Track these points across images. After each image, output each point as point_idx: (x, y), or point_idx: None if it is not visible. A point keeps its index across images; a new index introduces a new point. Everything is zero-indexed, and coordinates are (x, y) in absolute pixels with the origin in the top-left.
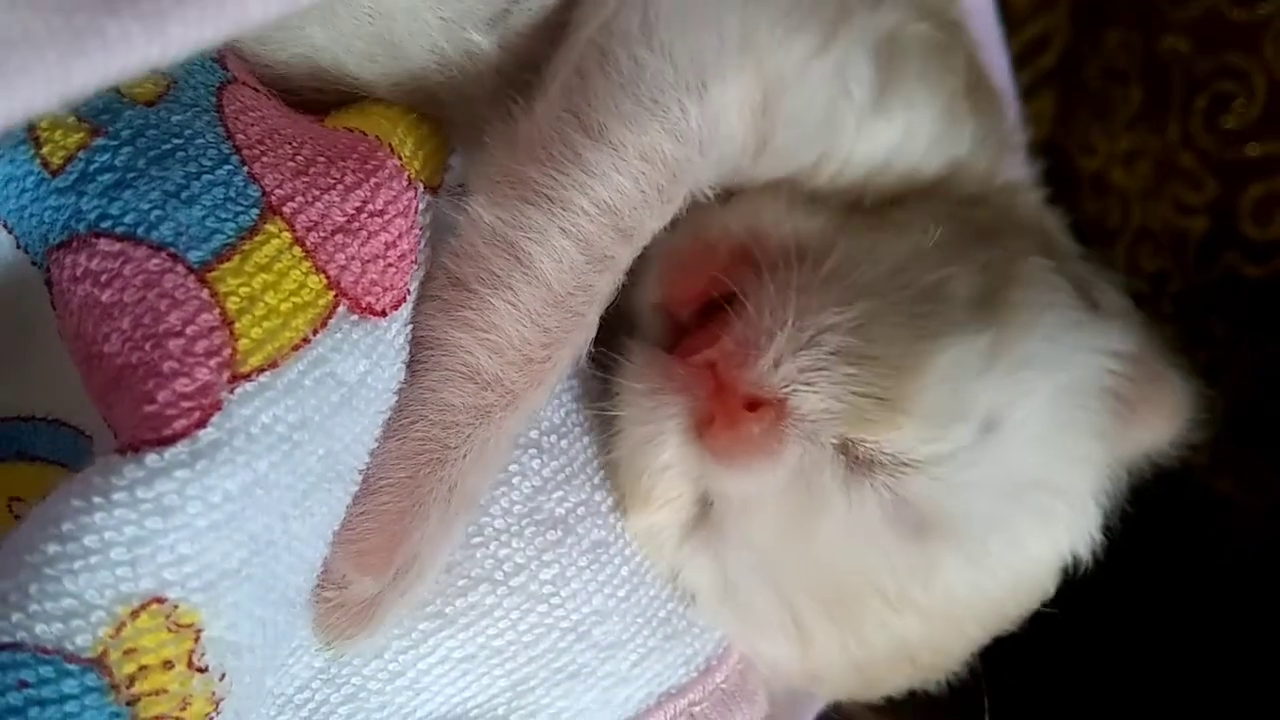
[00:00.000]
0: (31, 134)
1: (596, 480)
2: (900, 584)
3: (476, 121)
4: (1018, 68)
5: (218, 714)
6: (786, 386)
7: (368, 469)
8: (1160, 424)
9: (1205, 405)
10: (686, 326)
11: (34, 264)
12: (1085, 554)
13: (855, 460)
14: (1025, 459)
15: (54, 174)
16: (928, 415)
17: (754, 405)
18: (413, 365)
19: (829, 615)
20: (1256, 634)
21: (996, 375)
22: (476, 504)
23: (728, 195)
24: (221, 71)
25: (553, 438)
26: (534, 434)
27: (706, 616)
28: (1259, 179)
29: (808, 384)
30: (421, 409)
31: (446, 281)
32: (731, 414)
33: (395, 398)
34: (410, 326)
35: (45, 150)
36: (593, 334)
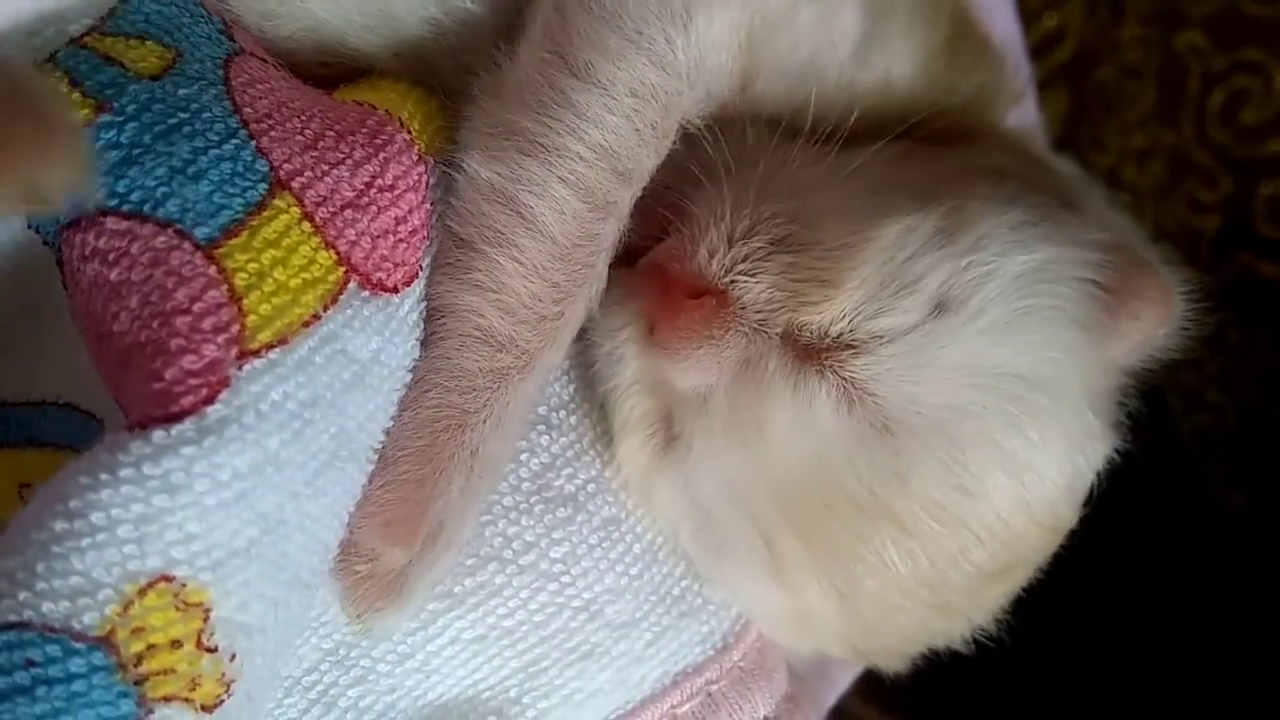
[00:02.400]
0: None
1: (607, 456)
2: (868, 488)
3: (473, 81)
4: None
5: (228, 696)
6: (726, 275)
7: (385, 443)
8: (1150, 313)
9: (1200, 297)
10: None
11: (46, 244)
12: (1097, 468)
13: (805, 350)
14: (989, 345)
15: None
16: (866, 286)
17: (697, 295)
18: (427, 333)
19: (799, 533)
20: (1268, 644)
21: (948, 253)
22: (499, 470)
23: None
24: (229, 43)
25: (561, 413)
26: (543, 410)
27: (698, 568)
28: (1273, 176)
29: (748, 273)
30: (436, 376)
31: (452, 244)
32: (674, 305)
33: (410, 375)
34: (424, 303)
35: None
36: (603, 284)
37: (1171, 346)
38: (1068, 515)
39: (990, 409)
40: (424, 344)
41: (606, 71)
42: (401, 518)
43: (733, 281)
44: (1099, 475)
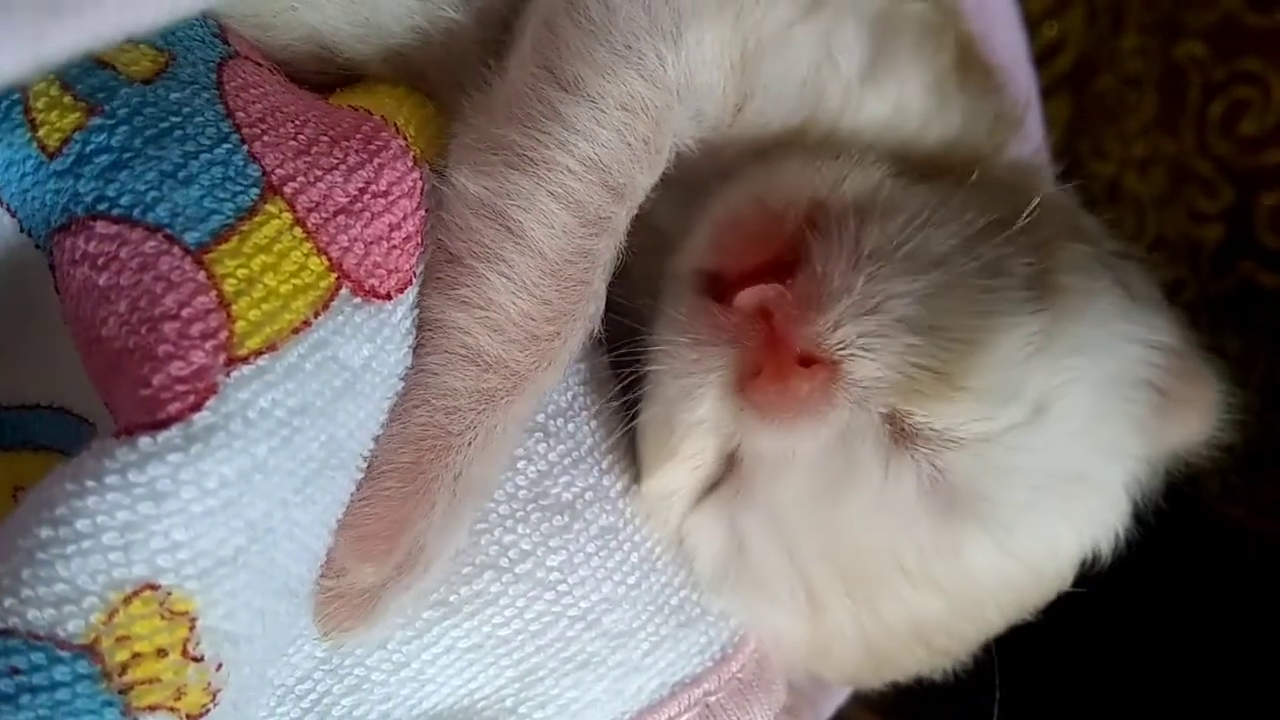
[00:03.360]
0: (27, 116)
1: (604, 465)
2: (924, 561)
3: (464, 99)
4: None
5: (214, 705)
6: (844, 349)
7: (373, 455)
8: (1196, 422)
9: (1234, 409)
10: (732, 285)
11: (37, 247)
12: (1106, 547)
13: (901, 432)
14: (1067, 448)
15: (51, 156)
16: (984, 393)
17: (807, 363)
18: (417, 345)
19: (846, 587)
20: (1267, 655)
21: (1049, 358)
22: (485, 493)
23: (763, 157)
24: (222, 46)
25: (559, 421)
26: (540, 418)
27: (705, 584)
28: (1275, 187)
29: (866, 349)
30: (424, 393)
31: (441, 258)
32: (782, 367)
33: (401, 383)
34: (417, 310)
35: (41, 133)
36: (602, 304)
37: (1202, 453)
38: (1070, 578)
39: (1050, 505)
40: (415, 355)
41: (596, 85)
42: (376, 534)
43: (850, 355)
44: None
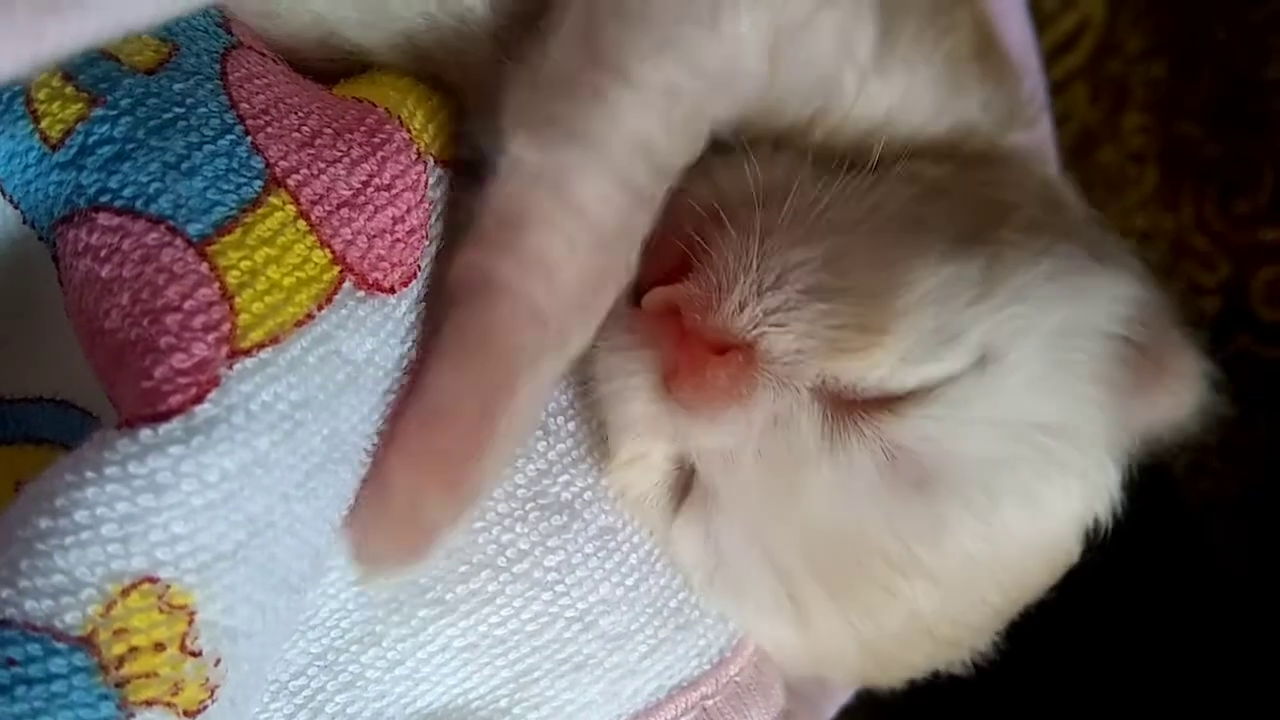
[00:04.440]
0: (29, 107)
1: (604, 465)
2: (904, 544)
3: (477, 85)
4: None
5: (212, 701)
6: (754, 329)
7: (436, 395)
8: (1184, 392)
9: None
10: (645, 291)
11: (40, 239)
12: (1105, 515)
13: (837, 404)
14: (1027, 400)
15: (54, 148)
16: (910, 334)
17: (721, 350)
18: (469, 304)
19: (828, 587)
20: (1269, 703)
21: (990, 305)
22: (516, 452)
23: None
24: (226, 36)
25: (559, 419)
26: (540, 415)
27: (704, 598)
28: (1271, 263)
29: (777, 325)
30: (492, 346)
31: (495, 223)
32: (697, 359)
33: (405, 377)
34: (422, 304)
35: (44, 124)
36: (633, 276)
37: (1190, 429)
38: (1075, 552)
39: (1024, 461)
40: (460, 313)
41: (638, 70)
42: (453, 468)
43: (761, 334)
44: (1106, 538)
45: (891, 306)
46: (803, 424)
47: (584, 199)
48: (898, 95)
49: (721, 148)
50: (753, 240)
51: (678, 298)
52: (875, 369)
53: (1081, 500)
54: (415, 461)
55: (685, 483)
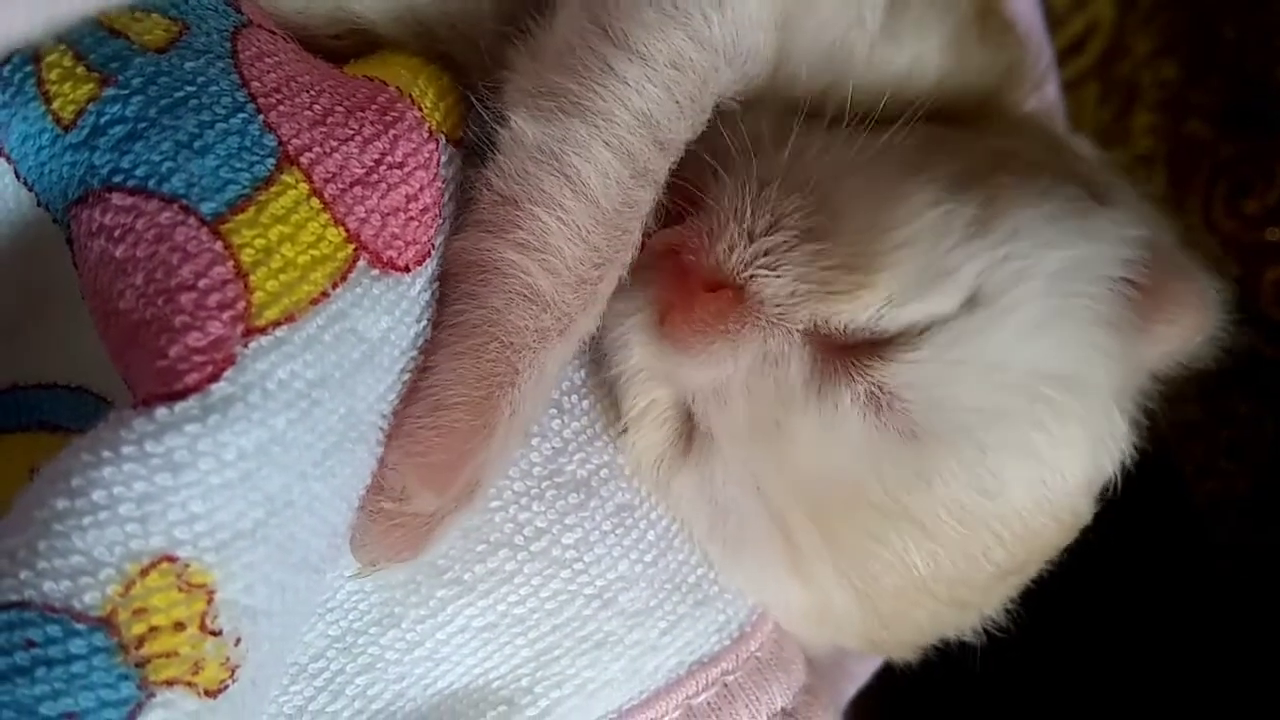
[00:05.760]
0: (41, 89)
1: (620, 442)
2: (890, 492)
3: (481, 62)
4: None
5: (233, 681)
6: (745, 270)
7: (432, 383)
8: (1189, 320)
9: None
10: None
11: (55, 221)
12: (1114, 469)
13: (828, 348)
14: (1023, 345)
15: (66, 129)
16: (900, 273)
17: (714, 289)
18: (466, 287)
19: (820, 532)
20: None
21: (984, 244)
22: (528, 433)
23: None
24: (236, 15)
25: (574, 398)
26: (554, 394)
27: (715, 563)
28: (1278, 262)
29: (769, 267)
30: (492, 329)
31: (495, 200)
32: (688, 297)
33: (421, 356)
34: (436, 283)
35: (55, 105)
36: (637, 251)
37: (1204, 355)
38: (1086, 511)
39: (1019, 410)
40: (457, 297)
41: (645, 42)
42: (446, 465)
43: (753, 276)
44: (1112, 537)
45: (880, 245)
46: (792, 365)
47: (584, 174)
48: (906, 63)
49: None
50: (748, 186)
51: (675, 239)
52: (864, 310)
53: (1088, 453)
54: (411, 456)
55: (689, 434)
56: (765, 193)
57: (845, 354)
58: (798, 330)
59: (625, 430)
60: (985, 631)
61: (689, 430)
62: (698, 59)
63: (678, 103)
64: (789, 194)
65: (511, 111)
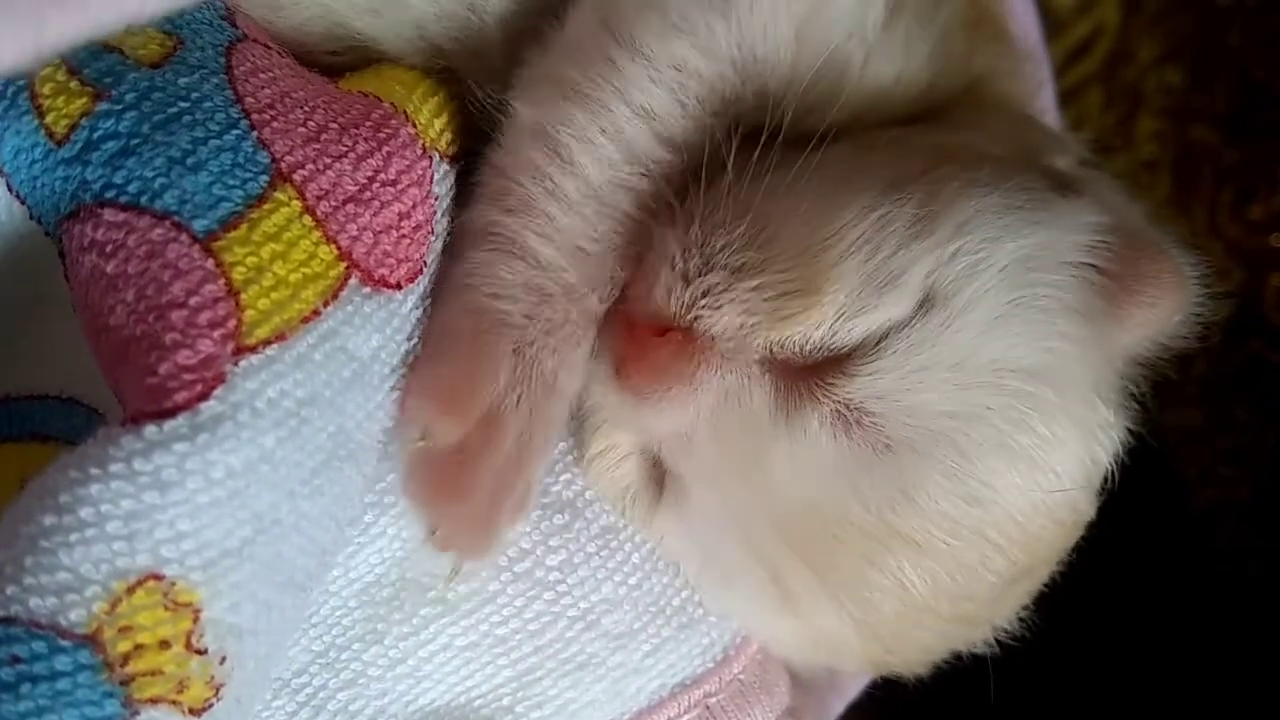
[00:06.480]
0: (34, 102)
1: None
2: (874, 513)
3: (485, 73)
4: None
5: (217, 699)
6: (689, 311)
7: (430, 332)
8: (1166, 299)
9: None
10: None
11: (47, 235)
12: (1109, 460)
13: (789, 373)
14: (984, 341)
15: (59, 144)
16: (845, 285)
17: (662, 334)
18: (460, 250)
19: (808, 566)
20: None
21: (929, 243)
22: (560, 394)
23: None
24: (230, 30)
25: None
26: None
27: (702, 596)
28: None
29: (714, 305)
30: (470, 280)
31: (490, 173)
32: (639, 345)
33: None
34: (428, 300)
35: (49, 119)
36: (649, 244)
37: (1184, 335)
38: (1086, 509)
39: (993, 409)
40: (458, 256)
41: (650, 45)
42: (452, 387)
43: (696, 317)
44: (1110, 542)
45: (820, 263)
46: (754, 398)
47: (574, 151)
48: (894, 74)
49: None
50: (675, 230)
51: (624, 295)
52: (816, 328)
53: (1077, 446)
54: (422, 390)
55: (660, 476)
56: (691, 233)
57: (807, 376)
58: (754, 361)
59: (585, 467)
60: (995, 641)
61: (659, 475)
62: (704, 68)
63: (681, 103)
64: (714, 231)
65: (514, 99)
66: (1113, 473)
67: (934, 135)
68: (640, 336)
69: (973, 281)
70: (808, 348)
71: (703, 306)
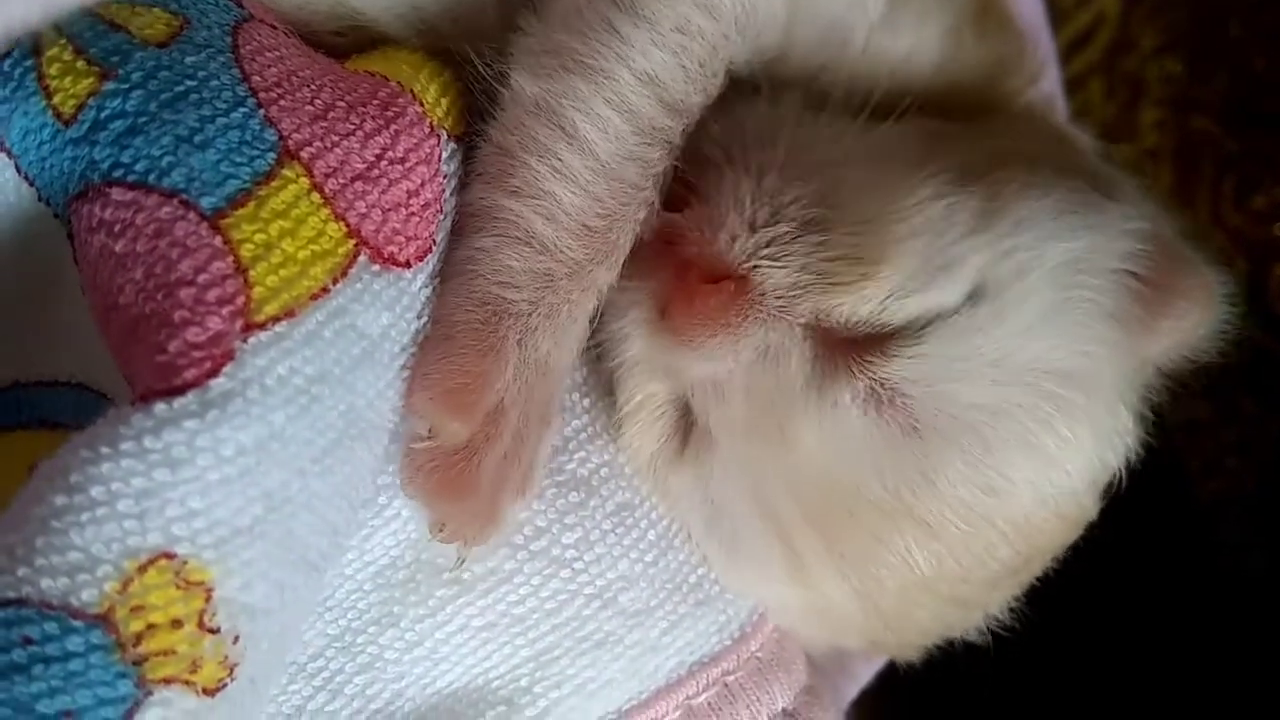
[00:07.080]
0: (41, 83)
1: (621, 441)
2: (892, 491)
3: (482, 54)
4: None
5: (231, 679)
6: (748, 261)
7: (436, 320)
8: (1194, 313)
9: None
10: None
11: (56, 217)
12: (1120, 465)
13: (830, 343)
14: (1028, 340)
15: (67, 124)
16: (903, 265)
17: (714, 280)
18: (463, 233)
19: (819, 533)
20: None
21: (988, 237)
22: (557, 377)
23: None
24: (237, 9)
25: (574, 395)
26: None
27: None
28: None
29: (772, 259)
30: (477, 268)
31: (492, 152)
32: (691, 289)
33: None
34: (437, 279)
35: (56, 100)
36: (654, 210)
37: (1207, 348)
38: (1090, 508)
39: (1023, 407)
40: (465, 241)
41: (652, 8)
42: (459, 387)
43: (755, 267)
44: (1115, 534)
45: (885, 237)
46: (792, 360)
47: (580, 126)
48: (904, 51)
49: (741, 88)
50: (750, 177)
51: (674, 230)
52: (867, 302)
53: (1093, 449)
54: (428, 389)
55: (687, 428)
56: (766, 182)
57: (846, 349)
58: (799, 324)
59: (620, 425)
60: (990, 631)
61: (686, 426)
62: (706, 26)
63: (684, 67)
64: (790, 184)
65: (513, 70)
66: (1120, 471)
67: (992, 137)
68: (692, 280)
69: (1023, 278)
70: (854, 320)
71: (763, 256)
